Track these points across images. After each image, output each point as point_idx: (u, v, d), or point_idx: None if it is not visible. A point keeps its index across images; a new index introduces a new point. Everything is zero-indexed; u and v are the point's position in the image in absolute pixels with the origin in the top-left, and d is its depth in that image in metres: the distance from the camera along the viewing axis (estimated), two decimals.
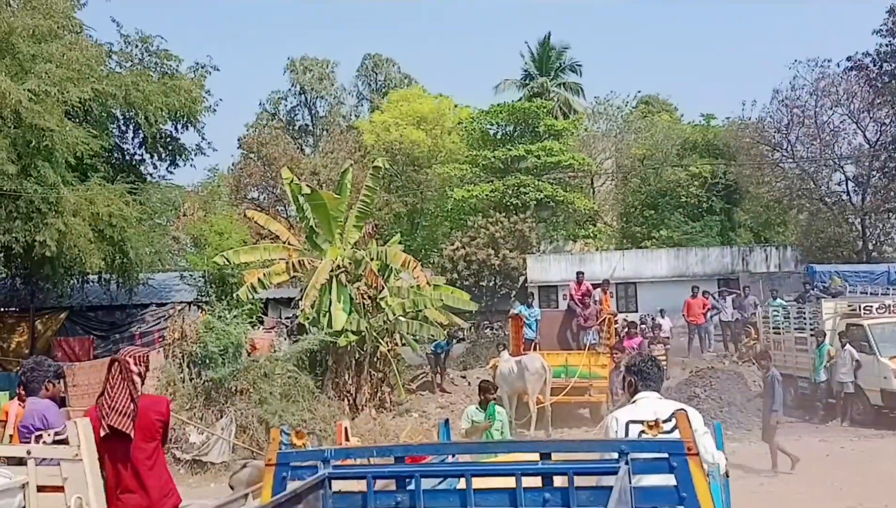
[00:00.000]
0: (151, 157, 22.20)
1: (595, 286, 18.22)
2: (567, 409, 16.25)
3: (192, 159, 22.80)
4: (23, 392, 10.82)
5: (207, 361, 15.14)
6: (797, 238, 35.20)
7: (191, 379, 16.11)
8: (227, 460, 14.27)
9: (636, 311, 30.29)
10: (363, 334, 16.93)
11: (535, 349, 16.91)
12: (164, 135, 21.81)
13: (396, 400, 17.49)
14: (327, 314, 17.03)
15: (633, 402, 4.59)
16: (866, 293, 20.13)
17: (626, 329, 18.22)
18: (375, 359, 17.39)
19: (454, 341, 21.57)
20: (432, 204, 37.16)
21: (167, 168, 22.66)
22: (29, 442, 4.87)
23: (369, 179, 18.35)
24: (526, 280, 31.97)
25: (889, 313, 16.59)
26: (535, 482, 3.14)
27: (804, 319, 17.67)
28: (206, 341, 15.19)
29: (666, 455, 3.00)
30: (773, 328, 18.56)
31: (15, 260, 19.47)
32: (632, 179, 37.07)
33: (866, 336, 15.85)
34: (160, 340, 20.62)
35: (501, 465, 3.13)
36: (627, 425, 3.30)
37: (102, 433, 4.79)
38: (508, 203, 32.60)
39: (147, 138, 21.25)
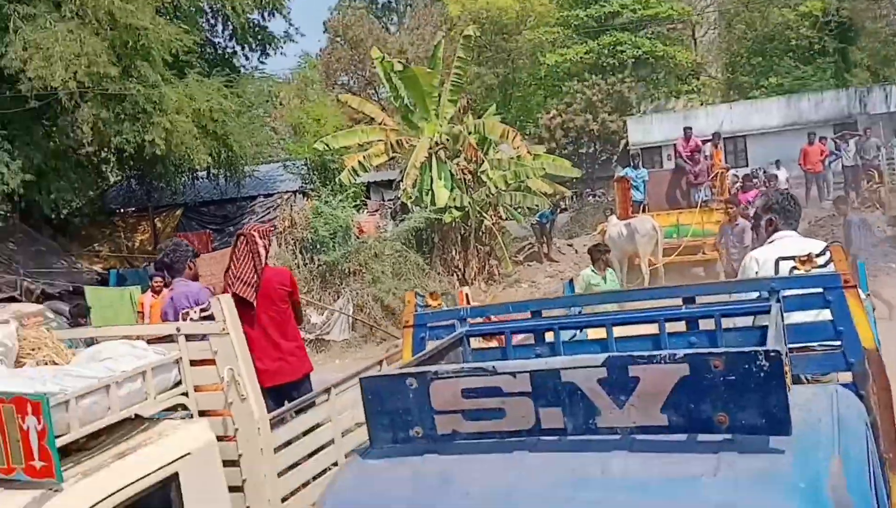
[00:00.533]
0: (242, 48, 22.33)
1: (704, 142, 17.45)
2: (680, 269, 15.96)
3: (282, 47, 22.89)
4: (158, 284, 11.44)
5: (319, 245, 15.56)
6: None
7: (305, 264, 16.68)
8: (347, 337, 14.87)
9: (746, 165, 29.14)
10: (466, 209, 16.94)
11: (643, 211, 16.53)
12: (252, 24, 21.83)
13: (504, 272, 17.62)
14: (430, 192, 17.08)
15: (772, 242, 4.39)
16: None
17: (738, 183, 17.51)
18: (481, 233, 17.45)
19: (558, 210, 21.39)
20: (524, 73, 36.18)
21: (259, 59, 22.85)
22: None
23: (460, 49, 17.87)
24: (627, 144, 31.08)
25: None
26: (679, 327, 3.06)
27: None
28: (316, 226, 15.56)
29: (821, 290, 2.84)
30: None
31: (128, 162, 20.28)
32: (736, 26, 34.86)
33: None
34: (272, 230, 21.28)
35: (643, 312, 3.04)
36: (777, 262, 3.13)
37: None
38: (604, 64, 31.36)
39: (236, 29, 21.30)
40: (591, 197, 28.71)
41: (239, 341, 3.56)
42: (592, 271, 9.58)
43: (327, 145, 18.18)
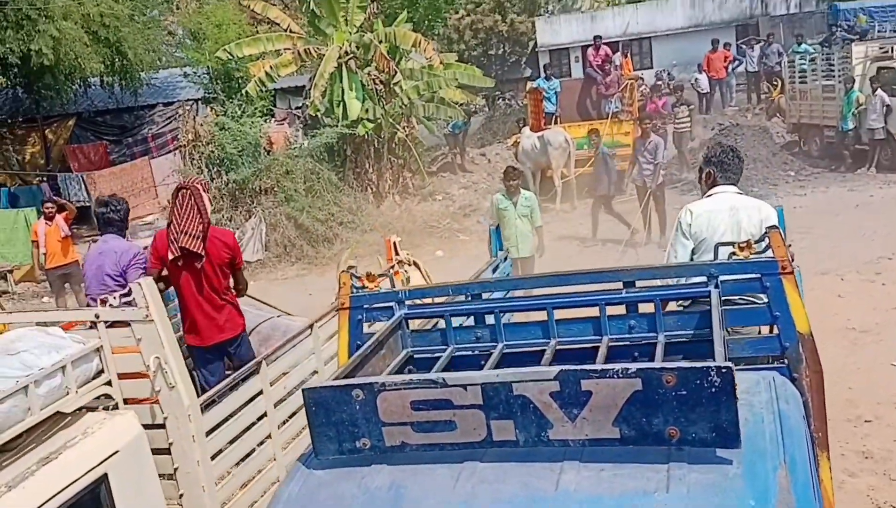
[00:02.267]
0: None
1: (614, 51, 17.45)
2: (591, 181, 16.19)
3: None
4: (49, 210, 10.97)
5: (227, 163, 15.00)
6: None
7: (212, 179, 16.09)
8: (261, 257, 14.59)
9: (651, 67, 29.43)
10: (379, 121, 16.58)
11: (555, 123, 16.56)
12: None
13: (419, 184, 17.48)
14: (340, 104, 16.57)
15: (709, 195, 4.45)
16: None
17: (648, 92, 17.67)
18: (394, 145, 17.16)
19: (470, 119, 21.21)
20: None
21: None
22: (104, 287, 5.01)
23: None
24: (536, 45, 30.81)
25: None
26: (620, 310, 3.07)
27: (832, 65, 17.00)
28: (223, 142, 14.95)
29: (758, 276, 2.88)
30: (799, 77, 17.90)
31: (12, 69, 18.84)
32: None
33: None
34: (173, 141, 20.40)
35: (583, 296, 3.02)
36: (717, 247, 3.16)
37: (171, 256, 5.03)
38: None
39: None
40: (500, 100, 28.49)
41: (164, 327, 3.39)
42: (503, 195, 9.56)
43: (231, 54, 17.27)
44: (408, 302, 3.22)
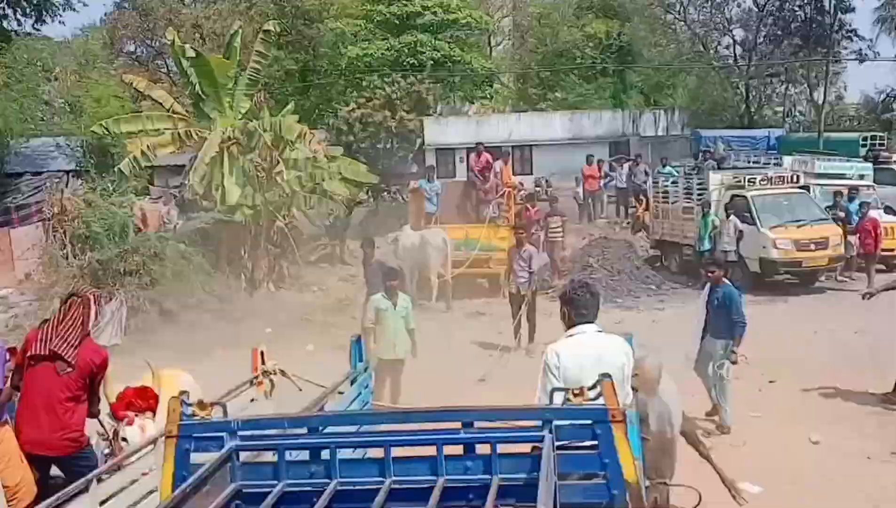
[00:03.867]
0: (15, 12, 20.03)
1: (495, 158, 18.12)
2: (467, 280, 16.51)
3: (61, 15, 20.77)
4: None
5: (91, 241, 14.40)
6: (685, 102, 36.09)
7: (75, 256, 15.39)
8: (118, 342, 13.89)
9: (531, 174, 30.69)
10: (259, 208, 16.43)
11: (435, 223, 16.89)
12: None
13: (296, 274, 17.30)
14: (220, 188, 16.34)
15: (570, 336, 4.54)
16: (749, 162, 20.98)
17: (525, 199, 18.33)
18: (272, 233, 17.01)
19: (352, 211, 21.32)
20: (325, 61, 35.67)
21: (33, 25, 20.59)
22: None
23: (259, 44, 17.23)
24: (423, 143, 31.64)
25: (771, 184, 17.31)
26: (457, 450, 3.09)
27: (691, 189, 18.23)
28: (89, 220, 14.39)
29: (590, 422, 2.99)
30: (662, 197, 19.07)
31: None
32: (529, 39, 36.60)
33: (749, 207, 16.55)
34: (38, 213, 19.43)
35: (422, 434, 3.04)
36: (552, 392, 3.26)
37: (31, 353, 4.96)
38: (405, 63, 31.66)
39: None
40: (386, 192, 28.85)
41: None
42: (383, 295, 9.64)
43: (107, 129, 16.82)
44: (241, 433, 3.14)
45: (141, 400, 5.67)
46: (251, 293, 16.18)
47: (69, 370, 4.96)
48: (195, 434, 3.09)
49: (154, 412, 5.51)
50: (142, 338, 13.89)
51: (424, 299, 15.80)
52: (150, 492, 4.37)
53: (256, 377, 5.67)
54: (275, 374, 6.03)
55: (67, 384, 4.99)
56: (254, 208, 16.40)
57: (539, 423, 3.01)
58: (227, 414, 3.19)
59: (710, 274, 9.20)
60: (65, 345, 4.97)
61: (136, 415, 5.48)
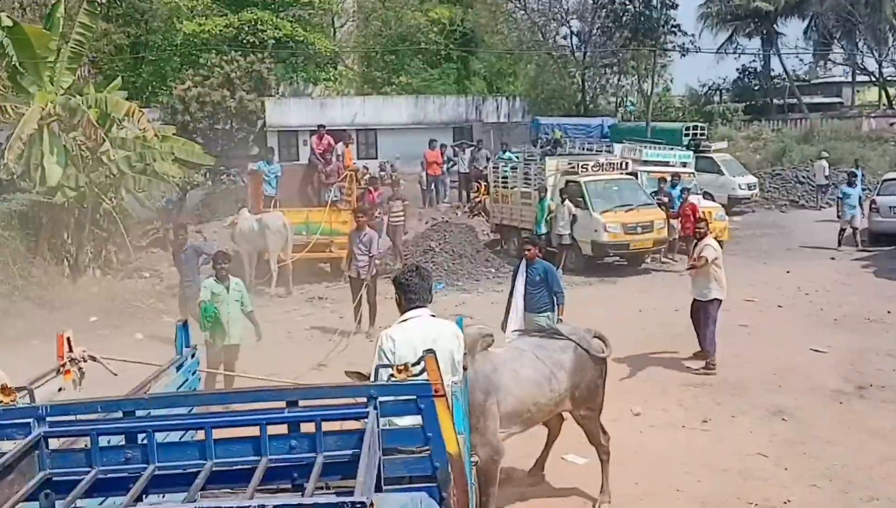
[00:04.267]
0: None
1: (337, 140, 17.93)
2: (309, 266, 16.28)
3: None
4: None
5: None
6: (525, 90, 37.20)
7: None
8: None
9: (376, 158, 30.70)
10: (83, 189, 15.44)
11: (275, 206, 16.50)
12: None
13: (124, 260, 16.41)
14: (39, 168, 15.21)
15: (403, 321, 4.57)
16: (583, 148, 21.91)
17: (367, 183, 18.27)
18: (98, 216, 16.04)
19: (187, 194, 20.50)
20: (159, 36, 33.99)
21: None
22: None
23: (83, 14, 16.07)
24: (265, 124, 30.88)
25: (602, 170, 18.16)
26: (281, 429, 3.03)
27: (529, 174, 18.82)
28: None
29: (414, 397, 3.01)
30: (502, 182, 19.56)
31: None
32: (373, 22, 36.43)
33: (582, 192, 17.30)
34: None
35: (243, 415, 2.95)
36: (377, 369, 3.26)
37: None
38: (245, 41, 30.73)
39: None
40: (224, 175, 27.89)
41: None
42: (215, 279, 9.37)
43: None
44: (50, 419, 2.94)
45: None
46: (74, 280, 15.21)
47: None
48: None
49: None
50: None
51: (264, 284, 15.47)
52: None
53: (63, 366, 5.31)
54: (84, 361, 5.67)
55: None
56: (77, 189, 15.41)
57: (364, 400, 3.00)
58: (34, 400, 2.98)
59: (526, 252, 9.58)
60: None
61: None
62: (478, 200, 21.57)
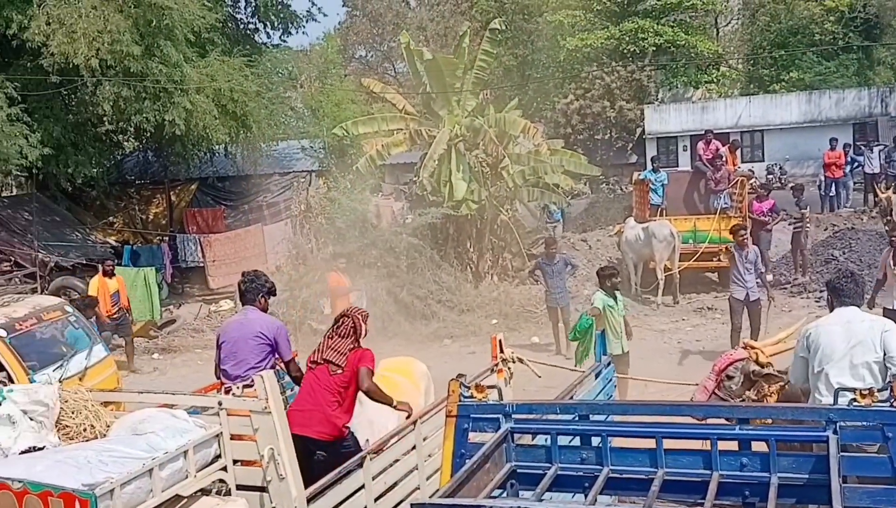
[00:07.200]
0: (265, 25, 22.14)
1: (723, 143, 17.26)
2: (695, 274, 15.92)
3: (304, 26, 22.68)
4: (108, 266, 12.89)
5: (335, 236, 15.52)
6: None
7: (318, 250, 16.66)
8: None
9: (762, 160, 29.00)
10: (483, 202, 16.89)
11: (661, 215, 16.42)
12: (274, 1, 21.67)
13: (519, 267, 17.58)
14: (448, 184, 16.99)
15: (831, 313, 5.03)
16: None
17: (755, 192, 17.23)
18: (496, 227, 17.41)
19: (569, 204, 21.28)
20: (544, 55, 35.76)
21: (280, 37, 22.63)
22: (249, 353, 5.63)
23: (486, 42, 17.65)
24: (643, 132, 30.91)
25: None
26: (731, 445, 3.03)
27: None
28: (333, 216, 15.52)
29: (879, 425, 2.81)
30: None
31: (145, 134, 20.21)
32: (760, 17, 34.44)
33: None
34: (286, 210, 21.30)
35: (695, 427, 3.01)
36: (837, 392, 3.10)
37: (311, 359, 5.75)
38: (625, 51, 30.97)
39: (259, 7, 21.15)
40: (604, 184, 28.50)
41: (280, 419, 3.55)
42: (605, 294, 9.55)
43: (346, 131, 18.05)
44: (515, 416, 3.28)
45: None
46: (476, 285, 16.66)
47: (339, 371, 5.55)
48: (473, 415, 3.27)
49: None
50: (379, 327, 14.79)
51: (650, 293, 15.48)
52: (410, 471, 4.68)
53: (497, 365, 5.89)
54: (513, 362, 6.22)
55: (336, 383, 5.55)
56: (479, 202, 16.87)
57: (822, 423, 2.88)
58: (502, 398, 3.35)
59: None
60: (335, 354, 5.61)
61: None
62: (887, 199, 19.11)
